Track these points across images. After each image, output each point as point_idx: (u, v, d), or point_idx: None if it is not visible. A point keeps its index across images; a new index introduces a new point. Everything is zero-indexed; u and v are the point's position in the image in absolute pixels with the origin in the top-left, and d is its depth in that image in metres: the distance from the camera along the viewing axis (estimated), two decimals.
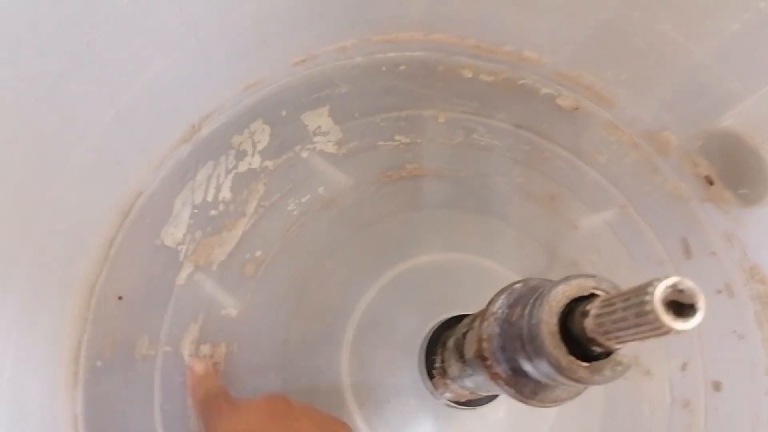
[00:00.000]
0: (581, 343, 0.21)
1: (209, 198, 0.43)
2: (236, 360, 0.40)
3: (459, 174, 0.47)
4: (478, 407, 0.40)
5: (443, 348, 0.37)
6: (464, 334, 0.31)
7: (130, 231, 0.41)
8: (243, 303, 0.41)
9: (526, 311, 0.23)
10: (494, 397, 0.40)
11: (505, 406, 0.41)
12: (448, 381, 0.36)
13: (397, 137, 0.47)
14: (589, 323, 0.20)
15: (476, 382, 0.31)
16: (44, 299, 0.36)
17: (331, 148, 0.46)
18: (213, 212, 0.43)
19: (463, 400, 0.39)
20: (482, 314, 0.27)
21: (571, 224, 0.46)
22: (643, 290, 0.18)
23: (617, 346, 0.20)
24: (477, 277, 0.44)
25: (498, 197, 0.46)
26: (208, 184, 0.43)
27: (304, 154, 0.45)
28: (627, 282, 0.22)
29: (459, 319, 0.39)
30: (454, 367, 0.34)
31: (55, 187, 0.34)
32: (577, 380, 0.21)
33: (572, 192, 0.47)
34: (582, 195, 0.47)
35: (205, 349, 0.40)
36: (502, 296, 0.26)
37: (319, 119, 0.46)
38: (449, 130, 0.48)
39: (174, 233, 0.42)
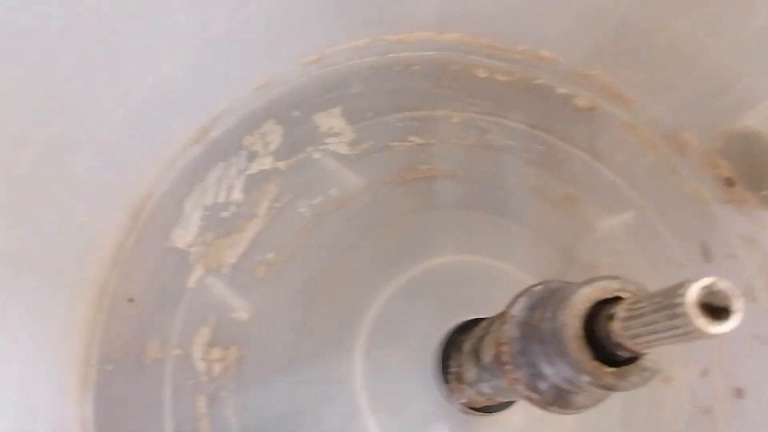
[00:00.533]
0: (606, 347, 0.21)
1: (220, 199, 0.43)
2: (247, 363, 0.39)
3: (473, 175, 0.46)
4: (494, 413, 0.39)
5: (459, 352, 0.36)
6: (481, 338, 0.31)
7: (141, 233, 0.40)
8: (254, 306, 0.41)
9: (548, 314, 0.22)
10: (510, 402, 0.39)
11: (523, 412, 0.40)
12: (464, 386, 0.36)
13: (410, 138, 0.46)
14: (616, 326, 0.19)
15: (494, 388, 0.31)
16: (54, 302, 0.35)
17: (343, 149, 0.45)
18: (224, 214, 0.42)
19: (478, 405, 0.38)
20: (501, 317, 0.27)
21: (587, 226, 0.46)
22: (675, 292, 0.17)
23: (646, 351, 0.20)
24: (492, 279, 0.43)
25: (513, 198, 0.46)
26: (219, 186, 0.43)
27: (317, 155, 0.45)
28: (646, 285, 0.21)
29: (474, 322, 0.38)
30: (470, 372, 0.33)
31: (65, 188, 0.34)
32: (602, 386, 0.20)
33: (589, 193, 0.46)
34: (599, 196, 0.46)
35: (216, 352, 0.39)
36: (522, 298, 0.26)
37: (331, 120, 0.45)
38: (463, 131, 0.47)
39: (184, 235, 0.41)
